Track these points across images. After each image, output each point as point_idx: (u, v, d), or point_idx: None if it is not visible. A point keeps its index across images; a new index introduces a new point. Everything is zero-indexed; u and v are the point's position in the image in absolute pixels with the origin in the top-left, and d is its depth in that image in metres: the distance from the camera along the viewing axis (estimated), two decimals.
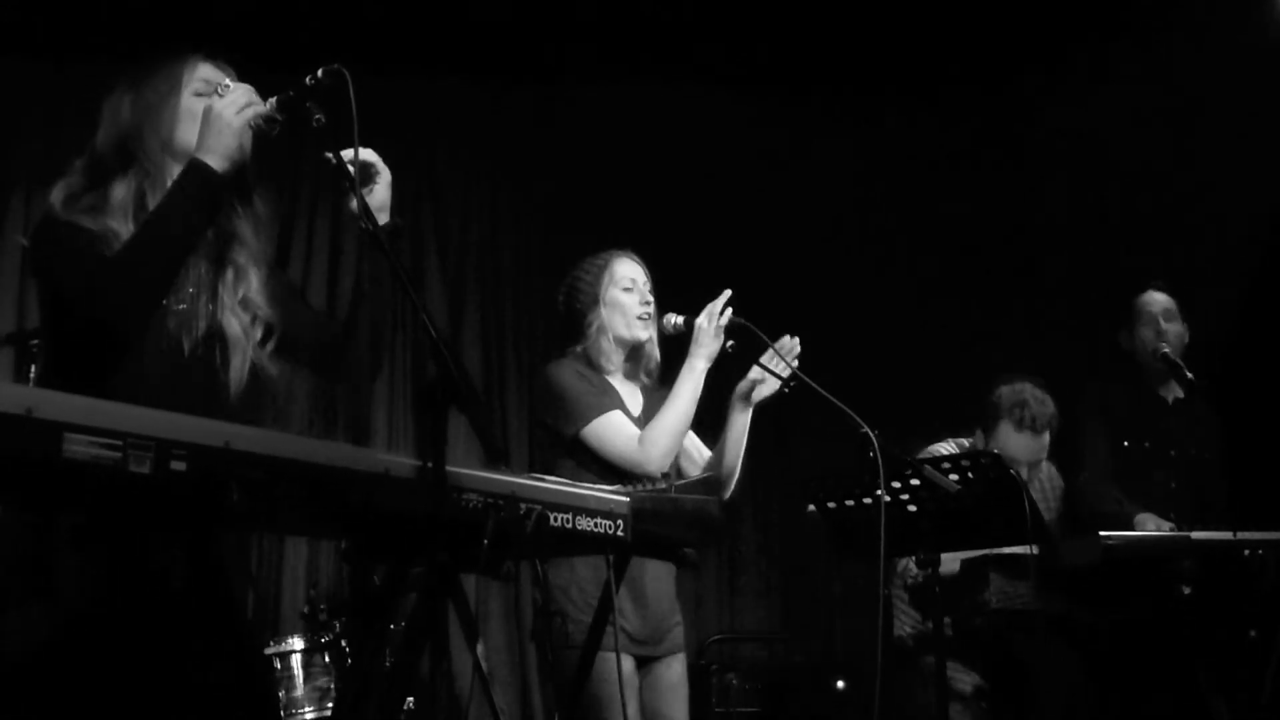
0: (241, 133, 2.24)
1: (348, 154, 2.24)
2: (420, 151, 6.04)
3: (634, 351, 3.51)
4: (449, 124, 6.09)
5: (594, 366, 3.45)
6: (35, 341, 4.22)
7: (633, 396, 3.51)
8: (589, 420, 3.29)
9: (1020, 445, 4.00)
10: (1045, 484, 4.26)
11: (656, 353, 3.53)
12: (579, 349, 3.46)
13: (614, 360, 3.47)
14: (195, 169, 2.23)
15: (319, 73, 2.26)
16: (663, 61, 5.74)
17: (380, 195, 2.41)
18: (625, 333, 3.44)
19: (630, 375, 3.53)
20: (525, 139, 6.09)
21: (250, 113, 2.25)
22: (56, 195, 2.29)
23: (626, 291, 3.44)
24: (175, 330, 2.29)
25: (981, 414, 4.10)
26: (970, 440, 4.17)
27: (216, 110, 2.25)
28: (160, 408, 2.06)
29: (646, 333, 3.47)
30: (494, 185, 6.18)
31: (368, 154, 2.38)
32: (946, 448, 4.13)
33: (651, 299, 3.47)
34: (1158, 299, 4.44)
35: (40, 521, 2.13)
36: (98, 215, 2.25)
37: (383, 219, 2.39)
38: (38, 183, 5.51)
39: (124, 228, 2.24)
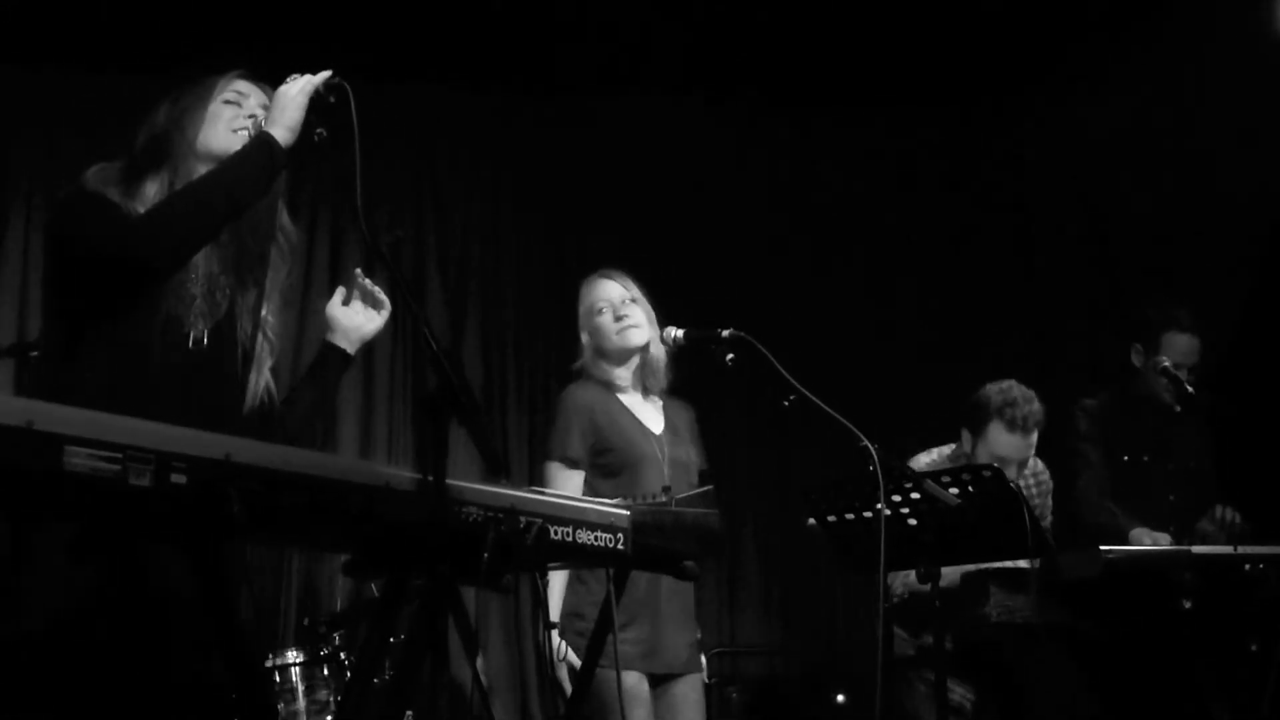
0: (303, 106, 2.32)
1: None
2: (422, 161, 6.04)
3: (638, 361, 3.60)
4: (451, 134, 6.08)
5: (607, 386, 3.58)
6: (35, 353, 4.19)
7: (650, 413, 3.61)
8: (552, 458, 3.51)
9: (1011, 445, 3.97)
10: (1031, 482, 4.22)
11: (659, 361, 3.60)
12: (591, 370, 3.62)
13: (622, 376, 3.61)
14: (261, 138, 2.31)
15: (321, 86, 2.28)
16: (664, 74, 5.74)
17: (371, 327, 2.57)
18: (611, 347, 3.58)
19: (646, 387, 3.63)
20: (528, 149, 6.10)
21: (310, 87, 2.33)
22: (90, 176, 2.35)
23: (599, 314, 3.59)
24: (177, 313, 2.32)
25: (968, 417, 4.06)
26: (954, 446, 4.13)
27: (281, 90, 2.34)
28: (166, 388, 2.19)
29: (635, 340, 3.56)
30: (495, 195, 6.18)
31: (377, 291, 2.56)
32: (925, 458, 4.11)
33: (629, 311, 3.57)
34: (1183, 342, 4.32)
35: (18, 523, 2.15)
36: (126, 200, 2.32)
37: (351, 346, 2.57)
38: (37, 193, 5.52)
39: None
